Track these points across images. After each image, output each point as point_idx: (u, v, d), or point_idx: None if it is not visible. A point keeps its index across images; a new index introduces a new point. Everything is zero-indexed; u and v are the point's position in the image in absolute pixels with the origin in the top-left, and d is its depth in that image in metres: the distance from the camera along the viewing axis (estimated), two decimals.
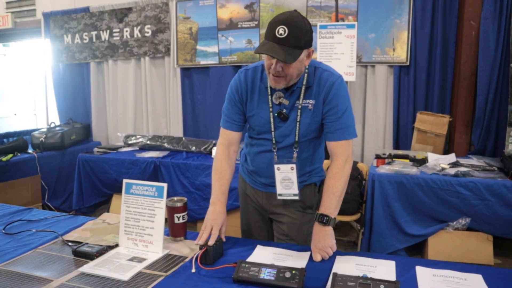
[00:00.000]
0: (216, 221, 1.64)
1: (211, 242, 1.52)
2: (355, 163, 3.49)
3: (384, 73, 3.85)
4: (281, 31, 1.45)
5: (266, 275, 1.32)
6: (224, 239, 1.65)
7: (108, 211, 4.13)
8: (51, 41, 5.24)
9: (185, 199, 1.73)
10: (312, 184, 1.85)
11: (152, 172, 3.83)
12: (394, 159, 3.33)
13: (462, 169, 2.98)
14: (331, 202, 1.59)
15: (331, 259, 1.52)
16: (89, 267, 1.47)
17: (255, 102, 1.72)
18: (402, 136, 3.93)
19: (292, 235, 1.80)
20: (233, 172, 1.81)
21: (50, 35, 5.24)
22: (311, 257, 1.53)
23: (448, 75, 3.70)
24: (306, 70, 1.65)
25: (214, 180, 1.76)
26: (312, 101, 1.66)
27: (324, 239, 1.54)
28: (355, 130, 1.68)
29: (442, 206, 2.94)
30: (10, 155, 4.02)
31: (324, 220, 1.57)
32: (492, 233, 2.97)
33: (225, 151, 1.79)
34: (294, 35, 1.46)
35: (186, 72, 4.60)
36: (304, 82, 1.65)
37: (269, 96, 1.68)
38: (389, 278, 1.29)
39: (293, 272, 1.31)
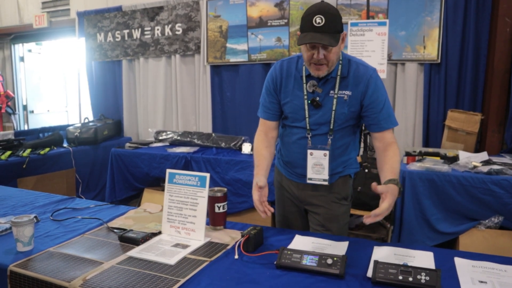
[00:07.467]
0: (261, 197, 1.69)
1: (267, 214, 1.67)
2: None
3: (414, 71, 3.83)
4: (318, 20, 1.53)
5: (308, 261, 1.36)
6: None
7: (138, 205, 4.23)
8: (84, 40, 5.40)
9: (225, 189, 1.78)
10: (347, 176, 1.89)
11: (183, 167, 3.91)
12: (424, 156, 3.31)
13: (495, 167, 2.94)
14: (394, 170, 1.61)
15: (369, 249, 1.54)
16: (136, 252, 1.54)
17: (290, 89, 1.79)
18: (431, 134, 3.90)
19: (328, 226, 1.84)
20: (272, 154, 1.88)
21: (83, 33, 5.39)
22: (349, 246, 1.56)
23: (480, 72, 3.65)
24: (340, 62, 1.72)
25: (254, 161, 1.85)
26: (348, 92, 1.72)
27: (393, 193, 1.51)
28: (395, 118, 1.76)
29: (474, 204, 2.91)
30: (47, 149, 4.17)
31: (396, 182, 1.55)
32: None
33: (261, 135, 1.90)
34: (331, 21, 1.55)
35: (216, 70, 4.67)
36: (339, 73, 1.72)
37: (304, 85, 1.75)
38: (429, 267, 1.31)
39: (335, 259, 1.34)
